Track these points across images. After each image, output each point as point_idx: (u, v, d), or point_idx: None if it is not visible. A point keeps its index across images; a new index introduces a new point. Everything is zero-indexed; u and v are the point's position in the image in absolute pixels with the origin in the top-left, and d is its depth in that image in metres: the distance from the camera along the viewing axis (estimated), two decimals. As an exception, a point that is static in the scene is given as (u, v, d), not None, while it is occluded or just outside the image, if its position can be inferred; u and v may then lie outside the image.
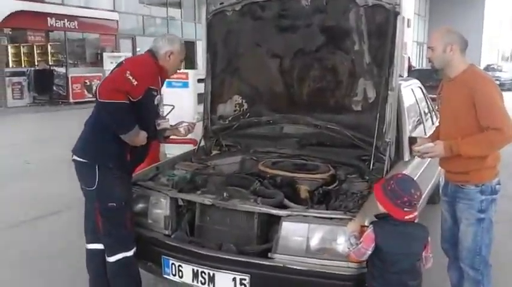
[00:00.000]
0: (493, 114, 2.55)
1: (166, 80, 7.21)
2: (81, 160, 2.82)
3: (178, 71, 3.16)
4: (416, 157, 3.13)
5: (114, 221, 2.81)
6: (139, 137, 2.79)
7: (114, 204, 2.78)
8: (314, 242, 2.54)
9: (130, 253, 2.84)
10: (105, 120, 2.75)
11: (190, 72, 7.18)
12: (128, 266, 2.85)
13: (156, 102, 2.89)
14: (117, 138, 2.75)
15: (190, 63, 21.14)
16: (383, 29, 3.27)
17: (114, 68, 2.86)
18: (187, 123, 3.28)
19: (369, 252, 2.31)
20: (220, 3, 3.79)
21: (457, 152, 2.58)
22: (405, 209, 2.29)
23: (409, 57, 20.90)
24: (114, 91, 2.64)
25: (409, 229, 2.34)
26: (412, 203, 2.29)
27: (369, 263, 2.38)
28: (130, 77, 2.66)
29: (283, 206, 2.77)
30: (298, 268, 2.49)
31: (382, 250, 2.30)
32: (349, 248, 2.38)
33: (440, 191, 3.14)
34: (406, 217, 2.30)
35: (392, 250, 2.30)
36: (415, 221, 2.40)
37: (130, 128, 2.73)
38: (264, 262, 2.55)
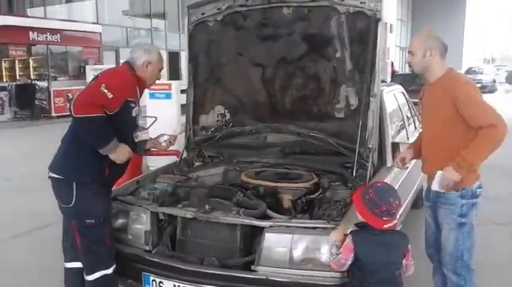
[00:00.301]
0: (481, 113, 2.54)
1: (149, 91, 7.20)
2: (58, 176, 2.75)
3: (157, 80, 3.10)
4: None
5: (93, 239, 2.73)
6: (117, 150, 2.72)
7: (93, 221, 2.71)
8: (297, 253, 2.49)
9: (109, 271, 2.76)
10: (82, 135, 2.69)
11: (173, 83, 7.16)
12: (107, 285, 2.77)
13: (134, 114, 2.82)
14: (95, 152, 2.68)
15: (175, 73, 21.14)
16: (364, 35, 3.27)
17: (91, 82, 2.80)
18: (168, 136, 3.23)
19: (349, 262, 2.28)
20: (202, 14, 3.76)
21: (468, 165, 2.52)
22: (384, 218, 2.26)
23: (392, 62, 21.13)
24: (89, 105, 2.58)
25: (388, 237, 2.31)
26: (391, 212, 2.27)
27: (349, 273, 2.34)
28: (106, 91, 2.60)
29: (266, 217, 2.72)
30: (281, 279, 2.44)
31: (361, 260, 2.27)
32: (330, 259, 2.34)
33: (424, 196, 3.12)
34: (385, 226, 2.28)
35: (371, 259, 2.27)
36: (395, 229, 2.37)
37: (109, 141, 2.67)
38: (246, 275, 2.49)
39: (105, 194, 2.86)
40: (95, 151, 2.68)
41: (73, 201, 2.70)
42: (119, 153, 2.74)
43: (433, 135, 2.77)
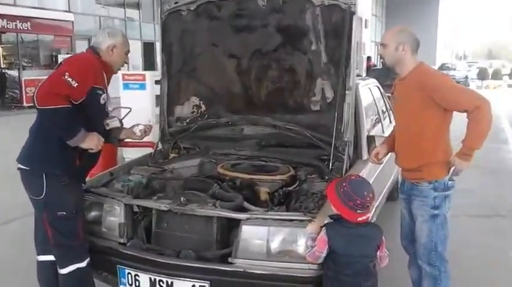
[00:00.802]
0: (464, 97, 2.60)
1: (123, 82, 7.08)
2: (27, 168, 2.68)
3: (125, 64, 3.01)
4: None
5: (65, 231, 2.67)
6: (87, 140, 2.63)
7: (64, 213, 2.65)
8: (274, 245, 2.49)
9: (83, 264, 2.71)
10: (47, 127, 2.60)
11: (147, 73, 7.05)
12: (81, 278, 2.72)
13: (102, 102, 2.73)
14: (64, 143, 2.60)
15: (151, 65, 20.87)
16: (339, 28, 3.28)
17: (54, 70, 2.68)
18: (143, 126, 3.17)
19: (323, 255, 2.29)
20: (175, 3, 3.71)
21: (473, 151, 2.57)
22: (358, 211, 2.28)
23: (369, 57, 21.33)
24: (53, 96, 2.47)
25: (362, 230, 2.33)
26: (364, 205, 2.29)
27: (324, 265, 2.35)
28: (70, 79, 2.49)
29: (242, 209, 2.71)
30: (258, 272, 2.44)
31: (336, 253, 2.28)
32: (305, 251, 2.35)
33: (399, 188, 3.16)
34: (359, 219, 2.29)
35: (345, 252, 2.29)
36: (370, 221, 2.39)
37: (75, 133, 2.58)
38: (223, 268, 2.48)
39: (76, 185, 2.79)
40: (63, 141, 2.60)
41: (43, 193, 2.63)
42: (89, 142, 2.65)
43: (405, 128, 2.80)
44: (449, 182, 2.73)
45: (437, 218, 2.72)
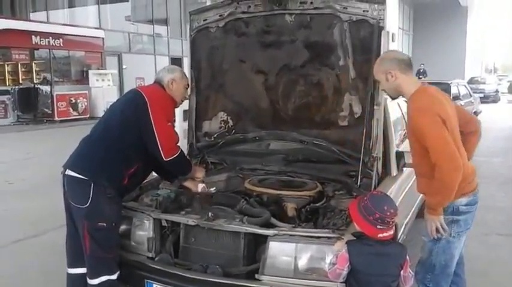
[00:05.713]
0: (430, 147, 2.39)
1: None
2: (77, 175, 2.74)
3: (185, 99, 3.29)
4: (404, 170, 3.07)
5: (102, 242, 2.72)
6: (198, 172, 3.30)
7: (105, 224, 2.71)
8: (302, 262, 2.47)
9: (114, 277, 2.74)
10: (176, 172, 3.14)
11: (175, 89, 7.13)
12: (110, 291, 2.75)
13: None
14: (121, 160, 2.80)
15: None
16: (367, 43, 3.27)
17: (134, 96, 2.97)
18: (205, 185, 3.36)
19: (344, 272, 2.26)
20: (204, 20, 3.78)
21: (435, 208, 2.44)
22: (378, 226, 2.23)
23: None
24: (175, 147, 2.89)
25: (384, 248, 2.28)
26: (384, 220, 2.24)
27: (347, 284, 2.31)
28: (170, 123, 2.89)
29: (270, 225, 2.69)
30: (285, 289, 2.41)
31: (357, 271, 2.24)
32: (328, 268, 2.32)
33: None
34: (380, 235, 2.25)
35: (366, 270, 2.25)
36: (394, 239, 2.34)
37: (191, 166, 3.19)
38: (250, 284, 2.47)
39: (119, 200, 2.88)
40: (121, 157, 2.81)
41: (88, 202, 2.69)
42: (198, 174, 3.29)
43: (413, 153, 2.67)
44: (463, 207, 2.52)
45: (440, 242, 2.54)
